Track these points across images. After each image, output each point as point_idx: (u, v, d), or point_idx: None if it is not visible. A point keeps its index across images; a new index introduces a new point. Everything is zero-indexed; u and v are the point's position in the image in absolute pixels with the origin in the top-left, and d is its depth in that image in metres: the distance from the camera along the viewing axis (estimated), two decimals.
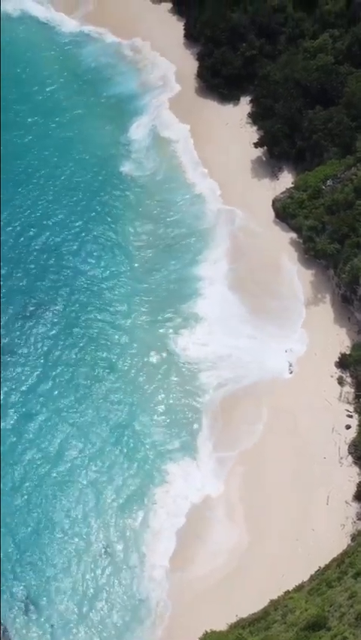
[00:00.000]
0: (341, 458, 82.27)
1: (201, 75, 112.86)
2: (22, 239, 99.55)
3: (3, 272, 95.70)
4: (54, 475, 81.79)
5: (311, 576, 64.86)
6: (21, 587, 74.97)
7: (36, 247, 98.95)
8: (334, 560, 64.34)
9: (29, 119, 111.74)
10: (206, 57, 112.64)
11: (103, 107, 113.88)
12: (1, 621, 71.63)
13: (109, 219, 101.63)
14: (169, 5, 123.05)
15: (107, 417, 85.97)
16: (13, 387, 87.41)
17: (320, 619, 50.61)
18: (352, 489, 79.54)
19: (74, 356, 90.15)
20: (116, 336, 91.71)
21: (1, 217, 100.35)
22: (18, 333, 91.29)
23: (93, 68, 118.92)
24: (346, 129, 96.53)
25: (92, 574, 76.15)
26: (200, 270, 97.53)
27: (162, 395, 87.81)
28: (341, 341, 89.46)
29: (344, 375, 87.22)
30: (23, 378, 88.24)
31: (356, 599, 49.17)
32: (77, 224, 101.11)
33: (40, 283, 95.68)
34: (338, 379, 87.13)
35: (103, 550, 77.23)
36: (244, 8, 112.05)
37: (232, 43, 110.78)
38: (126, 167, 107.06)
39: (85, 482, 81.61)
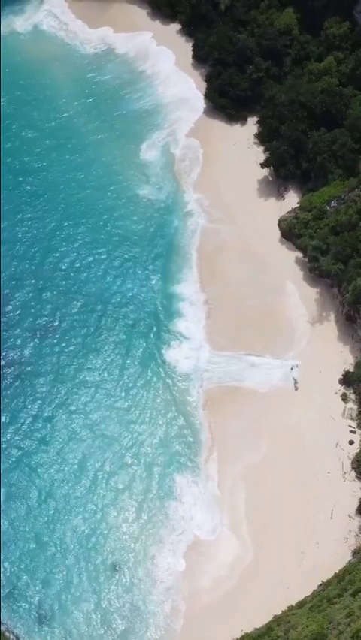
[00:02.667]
0: (345, 473, 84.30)
1: (209, 96, 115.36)
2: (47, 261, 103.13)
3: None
4: (67, 490, 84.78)
5: (314, 591, 67.08)
6: (36, 599, 77.74)
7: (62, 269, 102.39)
8: (335, 575, 66.54)
9: (47, 141, 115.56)
10: (214, 78, 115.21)
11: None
12: (15, 632, 74.36)
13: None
14: (178, 26, 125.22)
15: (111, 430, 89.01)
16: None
17: (319, 636, 52.82)
18: (355, 503, 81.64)
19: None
20: None
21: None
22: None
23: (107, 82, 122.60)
24: (349, 151, 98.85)
25: (103, 587, 79.07)
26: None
27: (164, 412, 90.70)
28: (344, 358, 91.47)
29: (347, 392, 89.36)
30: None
31: (353, 618, 51.43)
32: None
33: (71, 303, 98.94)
34: (341, 396, 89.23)
35: (113, 564, 79.81)
36: (251, 31, 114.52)
37: (239, 65, 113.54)
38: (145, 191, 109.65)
39: (95, 498, 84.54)
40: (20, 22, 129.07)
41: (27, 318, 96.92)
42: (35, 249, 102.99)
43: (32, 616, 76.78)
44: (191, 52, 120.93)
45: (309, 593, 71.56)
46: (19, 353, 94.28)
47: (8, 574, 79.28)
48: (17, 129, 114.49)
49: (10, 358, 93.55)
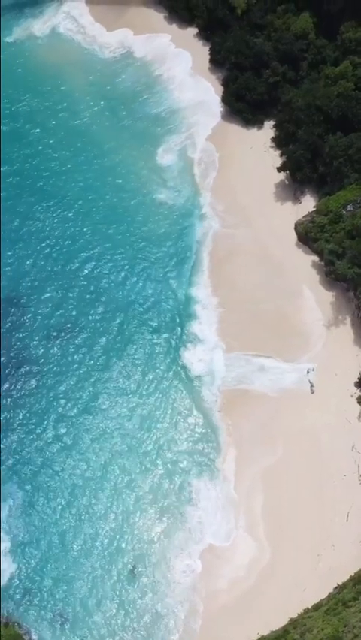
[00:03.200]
0: (360, 476, 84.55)
1: (225, 100, 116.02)
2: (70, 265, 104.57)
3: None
4: (89, 493, 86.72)
5: (329, 594, 67.98)
6: (56, 602, 79.32)
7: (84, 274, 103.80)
8: (351, 578, 67.42)
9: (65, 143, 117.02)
10: (231, 82, 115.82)
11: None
12: (36, 634, 75.88)
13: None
14: (195, 30, 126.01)
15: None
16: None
17: (335, 639, 53.79)
18: None
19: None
20: None
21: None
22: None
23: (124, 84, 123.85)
24: None
25: (123, 589, 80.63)
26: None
27: (182, 414, 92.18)
28: (360, 361, 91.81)
29: None
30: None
31: None
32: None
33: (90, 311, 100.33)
34: (358, 399, 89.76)
35: (132, 567, 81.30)
36: (268, 35, 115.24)
37: (256, 69, 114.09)
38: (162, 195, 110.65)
39: (116, 500, 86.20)
40: (39, 26, 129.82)
41: (48, 321, 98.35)
42: (55, 254, 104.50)
43: (52, 618, 78.37)
44: (208, 56, 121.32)
45: (325, 595, 72.55)
46: (39, 355, 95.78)
47: (30, 576, 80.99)
48: (37, 135, 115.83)
49: (31, 360, 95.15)
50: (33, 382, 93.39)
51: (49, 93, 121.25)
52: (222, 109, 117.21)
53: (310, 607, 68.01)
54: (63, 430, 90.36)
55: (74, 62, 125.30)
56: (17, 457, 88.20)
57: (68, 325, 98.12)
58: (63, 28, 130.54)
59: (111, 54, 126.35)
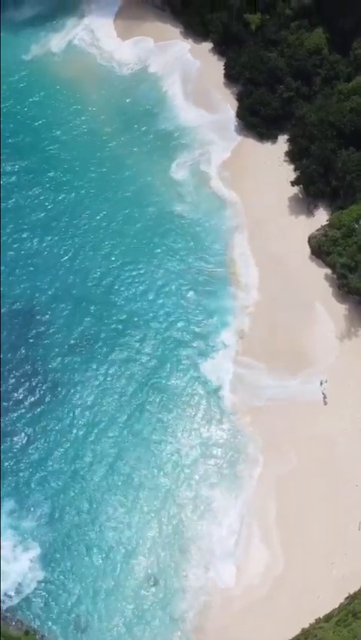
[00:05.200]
0: None
1: (240, 115, 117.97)
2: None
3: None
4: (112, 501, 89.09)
5: (340, 604, 69.48)
6: (74, 609, 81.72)
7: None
8: None
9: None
10: (245, 97, 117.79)
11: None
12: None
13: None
14: (210, 45, 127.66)
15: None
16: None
17: None
18: None
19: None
20: None
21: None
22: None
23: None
24: None
25: (139, 597, 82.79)
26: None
27: (201, 422, 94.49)
28: None
29: None
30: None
31: None
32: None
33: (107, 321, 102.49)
34: None
35: (149, 574, 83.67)
36: (281, 51, 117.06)
37: (270, 85, 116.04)
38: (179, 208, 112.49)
39: (137, 508, 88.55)
40: (56, 41, 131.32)
41: (68, 334, 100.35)
42: (77, 267, 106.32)
43: (72, 627, 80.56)
44: (223, 71, 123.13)
45: (338, 604, 74.02)
46: (59, 366, 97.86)
47: (52, 585, 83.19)
48: (55, 151, 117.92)
49: (52, 371, 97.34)
50: (54, 394, 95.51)
51: (65, 109, 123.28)
52: (236, 123, 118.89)
53: (321, 617, 69.45)
54: (89, 441, 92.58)
55: (90, 79, 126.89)
56: (43, 468, 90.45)
57: (90, 336, 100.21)
58: (80, 43, 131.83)
59: (128, 70, 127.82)
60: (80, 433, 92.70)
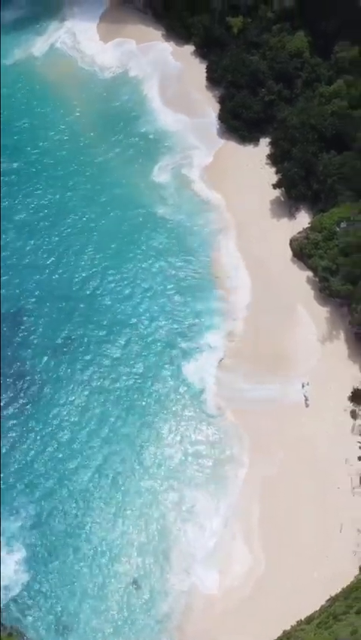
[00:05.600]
0: (354, 488, 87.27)
1: (222, 118, 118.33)
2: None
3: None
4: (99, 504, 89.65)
5: (321, 607, 70.04)
6: (58, 608, 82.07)
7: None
8: (342, 591, 69.52)
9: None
10: (227, 100, 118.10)
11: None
12: None
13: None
14: (192, 48, 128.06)
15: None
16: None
17: None
18: None
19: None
20: None
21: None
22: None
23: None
24: (359, 174, 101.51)
25: (123, 600, 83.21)
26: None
27: (186, 425, 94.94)
28: (354, 376, 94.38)
29: (356, 409, 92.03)
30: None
31: (356, 636, 54.58)
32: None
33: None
34: (351, 413, 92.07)
35: (134, 580, 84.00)
36: (263, 54, 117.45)
37: (252, 88, 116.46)
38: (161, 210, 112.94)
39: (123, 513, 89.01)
40: (39, 45, 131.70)
41: (53, 336, 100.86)
42: (61, 270, 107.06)
43: (55, 628, 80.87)
44: (205, 74, 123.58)
45: (319, 606, 74.49)
46: (45, 369, 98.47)
47: (37, 587, 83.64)
48: (38, 155, 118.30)
49: (37, 373, 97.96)
50: (39, 399, 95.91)
51: (48, 114, 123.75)
52: (218, 126, 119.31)
53: (303, 619, 69.94)
54: (75, 444, 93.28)
55: (72, 82, 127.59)
56: (29, 472, 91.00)
57: (73, 341, 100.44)
58: (62, 47, 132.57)
59: (108, 74, 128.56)
60: (66, 436, 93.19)
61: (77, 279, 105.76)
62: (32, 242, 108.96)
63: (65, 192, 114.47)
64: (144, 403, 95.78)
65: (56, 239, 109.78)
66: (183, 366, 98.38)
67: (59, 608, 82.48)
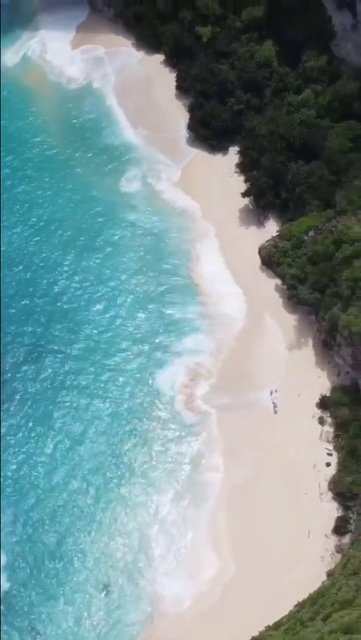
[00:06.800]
0: (321, 494, 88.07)
1: (191, 127, 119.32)
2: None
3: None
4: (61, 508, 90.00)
5: (289, 612, 70.83)
6: (32, 617, 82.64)
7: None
8: (309, 597, 70.34)
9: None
10: (196, 110, 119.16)
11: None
12: None
13: None
14: (162, 57, 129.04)
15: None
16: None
17: None
18: (331, 523, 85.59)
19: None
20: None
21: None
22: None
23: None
24: (326, 184, 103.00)
25: (94, 607, 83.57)
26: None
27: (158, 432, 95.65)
28: (322, 383, 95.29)
29: (324, 416, 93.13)
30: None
31: None
32: None
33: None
34: (318, 419, 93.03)
35: (104, 586, 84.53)
36: (232, 63, 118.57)
37: (221, 97, 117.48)
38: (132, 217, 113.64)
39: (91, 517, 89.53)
40: (10, 55, 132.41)
41: (21, 345, 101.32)
42: (30, 278, 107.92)
43: (26, 632, 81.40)
44: (175, 83, 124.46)
45: (287, 611, 75.21)
46: (13, 377, 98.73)
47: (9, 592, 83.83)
48: (7, 169, 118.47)
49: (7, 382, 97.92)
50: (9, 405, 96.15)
51: (14, 127, 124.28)
52: (187, 135, 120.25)
53: (271, 624, 70.62)
54: (46, 452, 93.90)
55: (42, 91, 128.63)
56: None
57: (42, 350, 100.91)
58: (33, 55, 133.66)
59: (75, 85, 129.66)
60: (39, 443, 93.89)
61: (45, 289, 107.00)
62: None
63: (32, 202, 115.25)
64: (113, 412, 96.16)
65: (23, 249, 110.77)
66: (155, 373, 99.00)
67: (31, 612, 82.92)
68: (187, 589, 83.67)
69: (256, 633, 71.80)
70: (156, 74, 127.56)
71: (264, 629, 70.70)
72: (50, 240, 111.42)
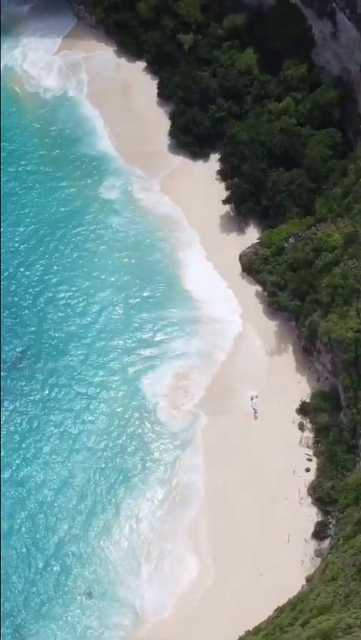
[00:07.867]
0: (301, 499, 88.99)
1: (172, 134, 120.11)
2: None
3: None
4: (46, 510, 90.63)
5: (269, 617, 71.46)
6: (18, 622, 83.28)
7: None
8: (288, 602, 70.99)
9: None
10: (178, 117, 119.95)
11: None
12: None
13: None
14: (144, 64, 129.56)
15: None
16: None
17: None
18: (310, 528, 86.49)
19: None
20: None
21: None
22: None
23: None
24: (306, 191, 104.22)
25: (77, 611, 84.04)
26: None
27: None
28: (302, 389, 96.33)
29: (304, 421, 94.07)
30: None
31: None
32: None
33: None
34: (298, 425, 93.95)
35: (86, 589, 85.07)
36: (214, 70, 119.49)
37: (202, 104, 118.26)
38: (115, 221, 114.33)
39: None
40: None
41: (8, 353, 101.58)
42: (14, 286, 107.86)
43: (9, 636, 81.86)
44: (156, 91, 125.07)
45: (267, 616, 75.87)
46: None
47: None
48: None
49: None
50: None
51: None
52: (168, 142, 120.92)
53: (251, 629, 71.28)
54: (36, 461, 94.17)
55: (21, 101, 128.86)
56: None
57: (29, 358, 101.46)
58: (14, 64, 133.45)
59: (50, 95, 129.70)
60: (29, 453, 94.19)
61: (30, 296, 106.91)
62: None
63: (12, 212, 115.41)
64: (101, 419, 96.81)
65: (6, 257, 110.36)
66: (141, 378, 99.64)
67: (13, 616, 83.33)
68: (169, 594, 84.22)
69: (235, 639, 72.26)
70: (137, 81, 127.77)
71: (244, 633, 71.24)
72: (32, 251, 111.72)
